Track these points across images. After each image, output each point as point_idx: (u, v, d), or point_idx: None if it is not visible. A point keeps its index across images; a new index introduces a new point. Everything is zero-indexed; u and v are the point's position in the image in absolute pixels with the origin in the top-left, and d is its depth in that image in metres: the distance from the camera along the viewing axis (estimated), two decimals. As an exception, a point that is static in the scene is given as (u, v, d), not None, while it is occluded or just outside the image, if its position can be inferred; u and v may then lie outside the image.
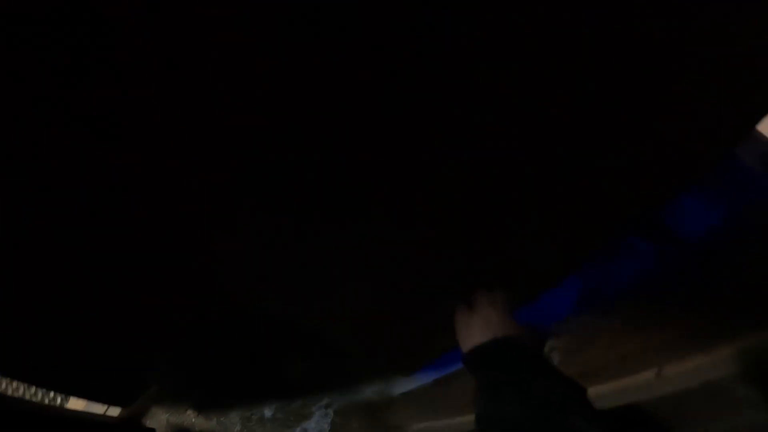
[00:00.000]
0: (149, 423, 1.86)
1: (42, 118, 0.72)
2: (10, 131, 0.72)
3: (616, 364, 1.19)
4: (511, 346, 0.83)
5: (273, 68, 0.74)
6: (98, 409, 1.73)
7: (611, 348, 1.21)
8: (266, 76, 0.75)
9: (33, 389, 1.83)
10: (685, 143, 0.88)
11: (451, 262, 1.05)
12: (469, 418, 1.34)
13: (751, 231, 1.03)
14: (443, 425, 1.54)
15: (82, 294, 0.91)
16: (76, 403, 1.89)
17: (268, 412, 1.94)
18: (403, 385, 1.58)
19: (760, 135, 0.98)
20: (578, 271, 1.22)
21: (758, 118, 0.86)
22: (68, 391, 1.64)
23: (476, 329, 0.88)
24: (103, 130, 0.74)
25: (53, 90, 0.71)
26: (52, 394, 1.84)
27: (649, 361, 1.14)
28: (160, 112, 0.76)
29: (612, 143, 0.88)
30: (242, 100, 0.77)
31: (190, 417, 2.17)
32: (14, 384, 1.83)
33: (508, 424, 0.67)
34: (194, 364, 1.20)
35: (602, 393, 1.19)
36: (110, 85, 0.73)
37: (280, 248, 0.92)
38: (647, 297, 1.20)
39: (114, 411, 1.72)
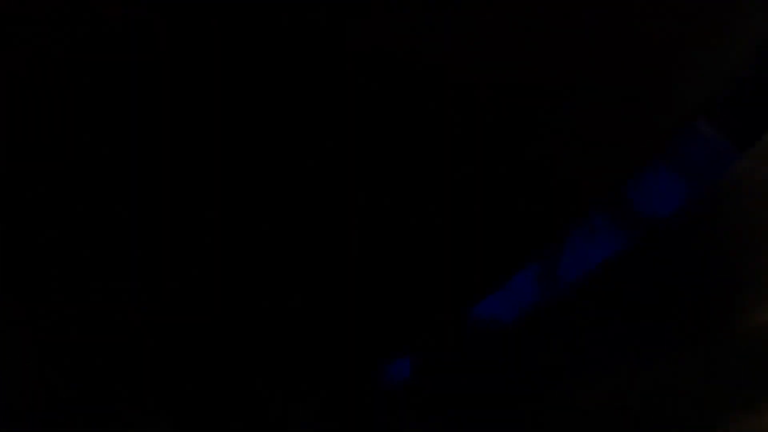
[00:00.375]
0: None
1: (43, 117, 0.72)
2: (11, 130, 0.72)
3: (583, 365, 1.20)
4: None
5: (272, 68, 0.76)
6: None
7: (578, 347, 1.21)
8: (266, 76, 0.77)
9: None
10: (644, 115, 0.90)
11: (416, 251, 1.06)
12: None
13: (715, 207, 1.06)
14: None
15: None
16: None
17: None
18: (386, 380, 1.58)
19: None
20: (540, 257, 1.22)
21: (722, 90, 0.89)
22: None
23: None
24: (103, 129, 0.75)
25: (54, 89, 0.71)
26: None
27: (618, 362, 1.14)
28: (160, 112, 0.77)
29: (570, 120, 0.90)
30: (240, 100, 0.79)
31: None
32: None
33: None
34: (171, 381, 1.19)
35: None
36: (110, 85, 0.74)
37: (272, 246, 0.94)
38: (617, 287, 1.19)
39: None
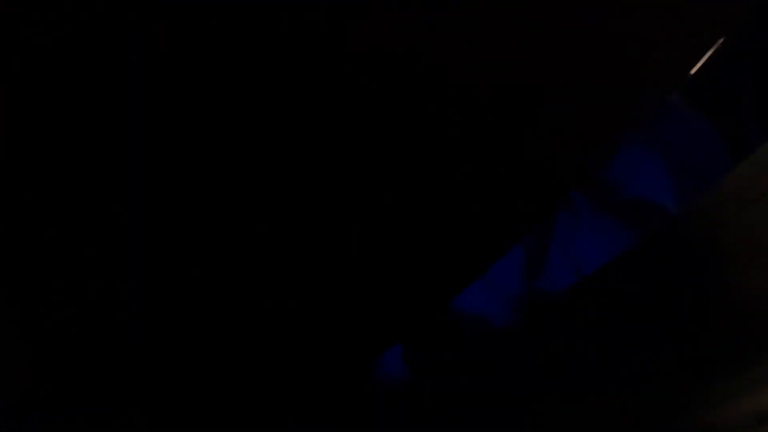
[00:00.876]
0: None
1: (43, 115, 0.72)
2: (11, 130, 0.72)
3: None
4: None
5: (272, 68, 0.76)
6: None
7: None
8: (266, 75, 0.77)
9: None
10: (635, 109, 0.89)
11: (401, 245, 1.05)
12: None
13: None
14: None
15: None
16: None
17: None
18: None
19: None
20: (523, 242, 1.21)
21: (694, 63, 0.88)
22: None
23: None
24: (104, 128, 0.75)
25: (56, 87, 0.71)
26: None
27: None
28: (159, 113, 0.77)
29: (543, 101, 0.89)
30: (237, 101, 0.79)
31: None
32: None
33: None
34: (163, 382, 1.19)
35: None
36: (110, 85, 0.74)
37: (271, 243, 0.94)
38: (617, 287, 1.16)
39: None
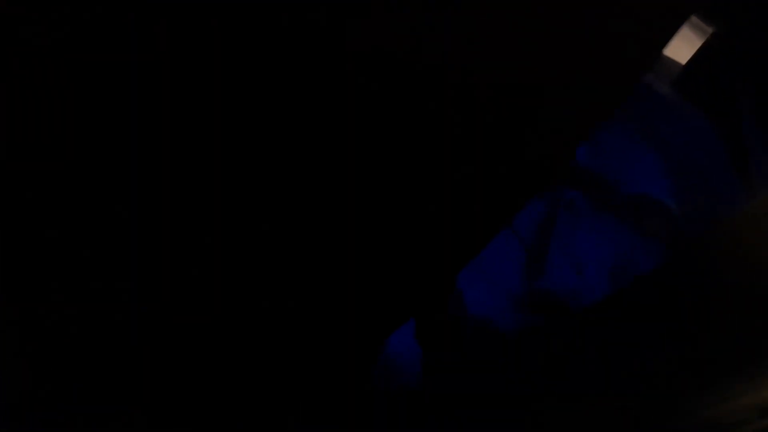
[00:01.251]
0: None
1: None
2: (11, 130, 0.72)
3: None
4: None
5: (273, 68, 0.76)
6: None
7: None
8: (266, 75, 0.77)
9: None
10: (591, 74, 0.89)
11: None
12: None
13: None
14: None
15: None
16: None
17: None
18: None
19: (668, 59, 1.01)
20: (523, 242, 1.21)
21: (664, 42, 0.88)
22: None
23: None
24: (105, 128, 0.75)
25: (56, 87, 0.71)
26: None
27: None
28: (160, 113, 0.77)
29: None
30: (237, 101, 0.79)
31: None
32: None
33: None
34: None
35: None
36: (110, 85, 0.74)
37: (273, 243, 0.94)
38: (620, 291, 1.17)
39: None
